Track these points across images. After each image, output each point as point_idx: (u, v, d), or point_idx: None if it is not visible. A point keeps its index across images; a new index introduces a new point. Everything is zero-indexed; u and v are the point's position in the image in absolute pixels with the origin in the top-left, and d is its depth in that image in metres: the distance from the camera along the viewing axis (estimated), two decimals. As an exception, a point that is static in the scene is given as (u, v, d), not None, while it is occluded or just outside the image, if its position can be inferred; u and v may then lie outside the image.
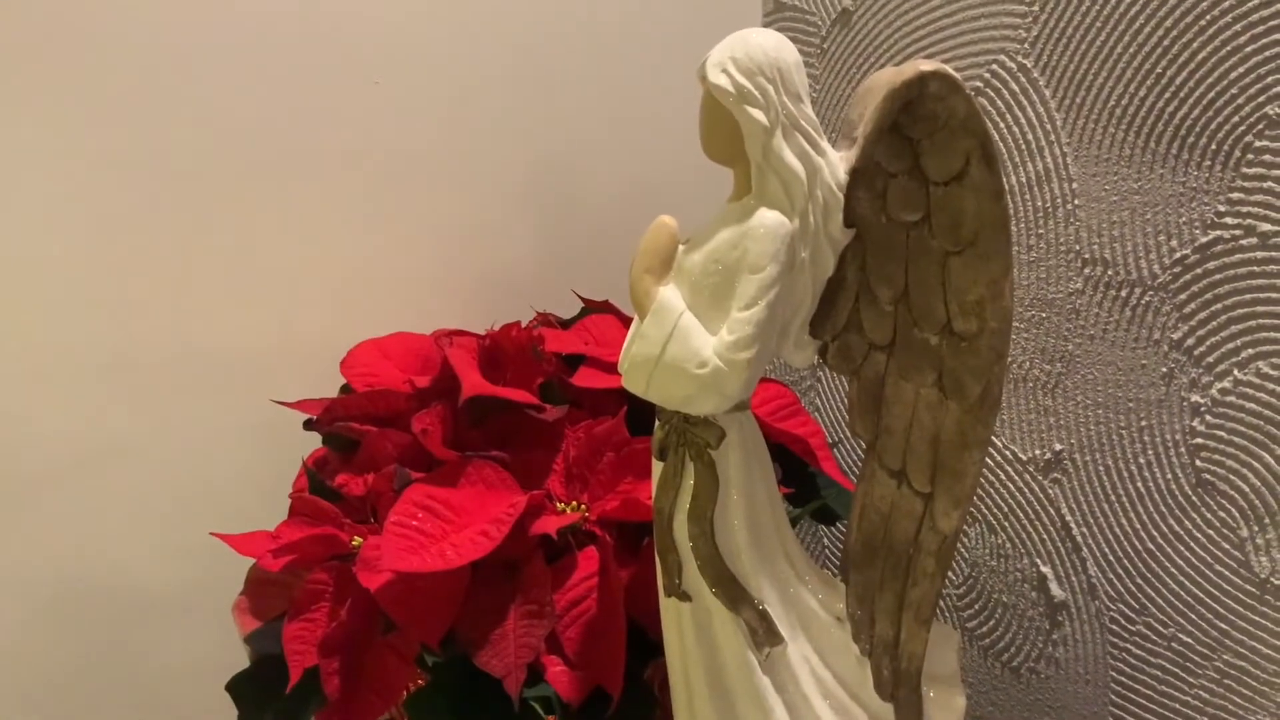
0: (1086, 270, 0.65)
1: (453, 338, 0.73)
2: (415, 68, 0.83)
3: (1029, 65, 0.66)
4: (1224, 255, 0.58)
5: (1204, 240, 0.58)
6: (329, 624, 0.59)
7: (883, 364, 0.50)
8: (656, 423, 0.51)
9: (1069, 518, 0.70)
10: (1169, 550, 0.64)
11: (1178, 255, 0.60)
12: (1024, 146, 0.68)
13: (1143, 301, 0.62)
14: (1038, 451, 0.71)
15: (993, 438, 0.63)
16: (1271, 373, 0.57)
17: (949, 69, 0.44)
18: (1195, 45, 0.57)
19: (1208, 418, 0.60)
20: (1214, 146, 0.57)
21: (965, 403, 0.47)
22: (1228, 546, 0.60)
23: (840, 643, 0.53)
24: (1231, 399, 0.59)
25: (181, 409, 0.80)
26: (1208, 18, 0.56)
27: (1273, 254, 0.55)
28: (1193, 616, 0.63)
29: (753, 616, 0.50)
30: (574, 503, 0.62)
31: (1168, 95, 0.59)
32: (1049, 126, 0.66)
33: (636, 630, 0.57)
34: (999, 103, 0.69)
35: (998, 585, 0.76)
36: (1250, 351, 0.57)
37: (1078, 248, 0.65)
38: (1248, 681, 0.61)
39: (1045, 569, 0.72)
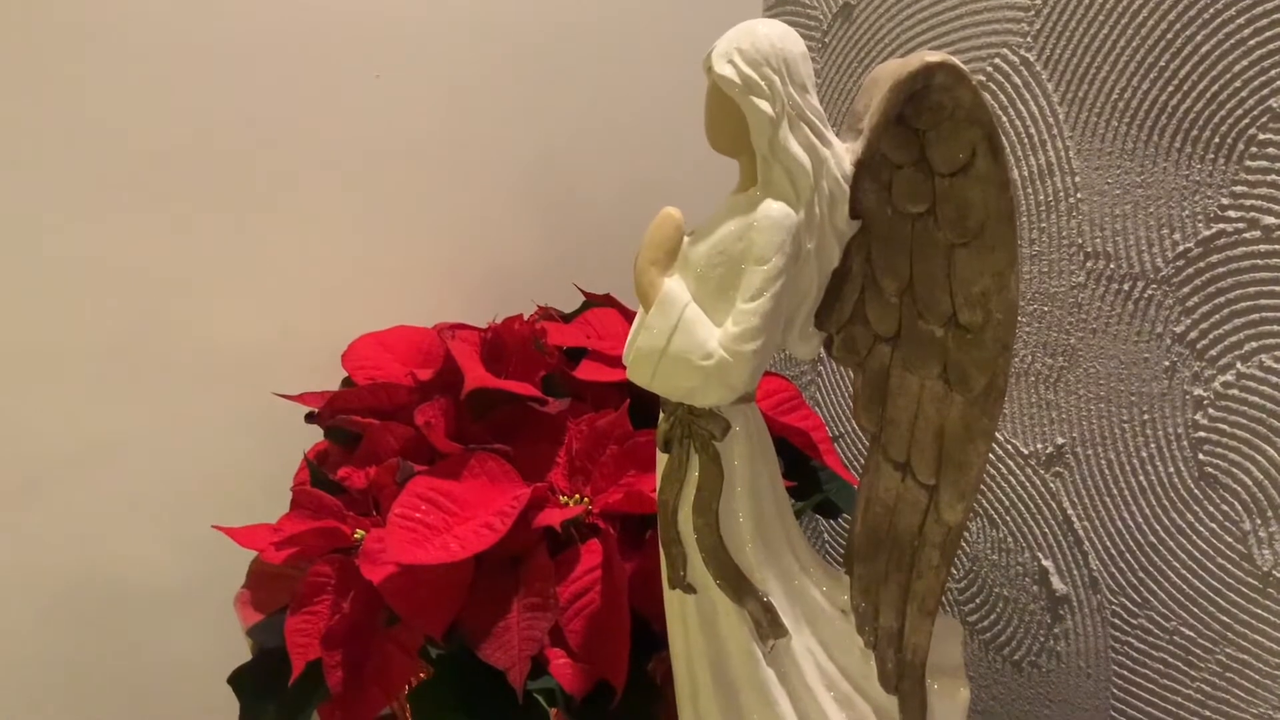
0: (1089, 264, 0.65)
1: (455, 331, 0.73)
2: (416, 61, 0.83)
3: (1032, 59, 0.66)
4: (1227, 248, 0.58)
5: (1207, 233, 0.58)
6: (331, 617, 0.59)
7: (888, 356, 0.50)
8: (661, 415, 0.51)
9: (1071, 511, 0.70)
10: (1171, 544, 0.64)
11: (1181, 248, 0.60)
12: (1027, 140, 0.68)
13: (1145, 295, 0.62)
14: (1040, 445, 0.71)
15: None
16: (1275, 366, 0.57)
17: (955, 60, 0.44)
18: (1199, 38, 0.57)
19: (1210, 411, 0.60)
20: (1217, 140, 0.57)
21: (970, 395, 0.47)
22: (1230, 540, 0.60)
23: (844, 635, 0.53)
24: (1234, 392, 0.59)
25: (183, 402, 0.80)
26: (1211, 11, 0.56)
27: (1276, 247, 0.55)
28: (1195, 610, 0.63)
29: (757, 609, 0.50)
30: (577, 495, 0.62)
31: (1171, 88, 0.59)
32: (1052, 120, 0.66)
33: (640, 623, 0.57)
34: (1002, 96, 0.69)
35: (999, 579, 0.76)
36: (1253, 345, 0.58)
37: (1080, 241, 0.66)
38: (1250, 675, 0.61)
39: (1047, 563, 0.72)
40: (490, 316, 0.76)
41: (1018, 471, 0.73)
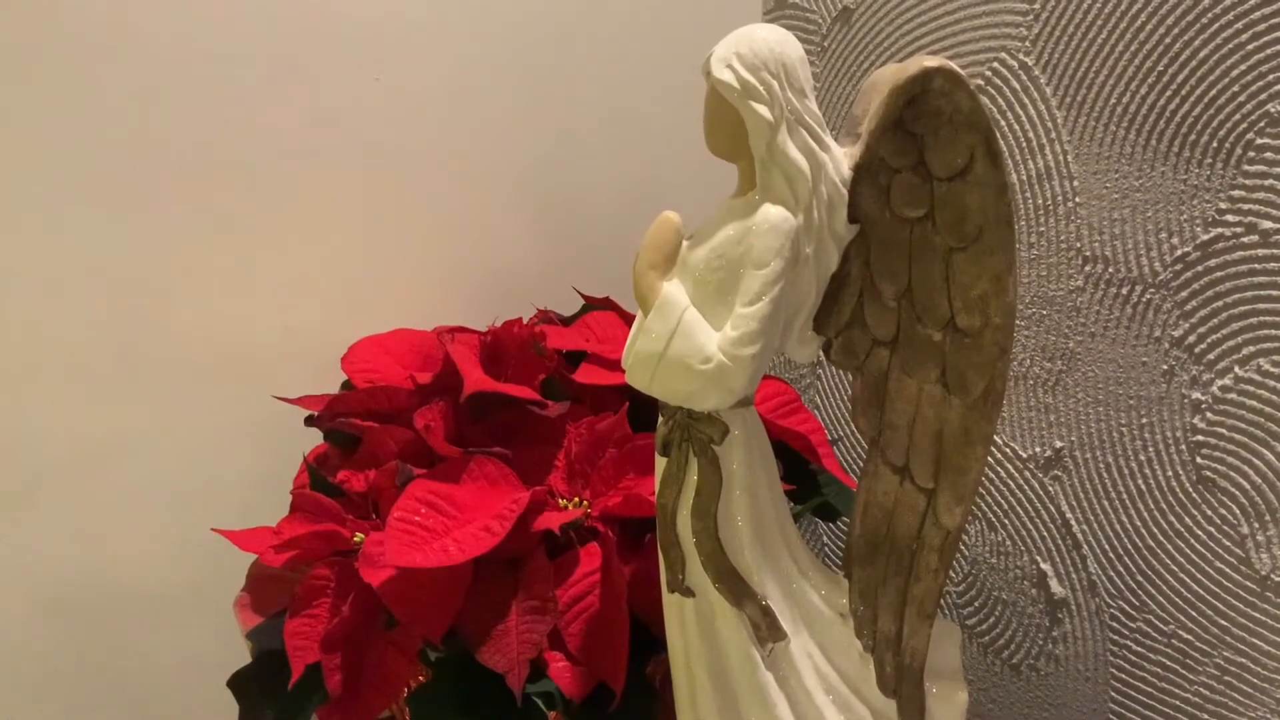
0: (1087, 268, 0.65)
1: (454, 334, 0.74)
2: (416, 64, 0.83)
3: (1030, 63, 0.66)
4: (1225, 253, 0.58)
5: (1205, 238, 0.59)
6: (331, 620, 0.59)
7: (886, 360, 0.50)
8: (660, 418, 0.51)
9: (1069, 515, 0.70)
10: (1169, 547, 0.64)
11: (1179, 253, 0.60)
12: (1025, 144, 0.68)
13: (1144, 299, 0.63)
14: (1038, 449, 0.71)
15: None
16: (1272, 370, 0.57)
17: (953, 65, 0.44)
18: (1196, 43, 0.57)
19: (1208, 415, 0.60)
20: (1215, 144, 0.57)
21: (968, 398, 0.47)
22: (1228, 543, 0.61)
23: (843, 638, 0.53)
24: (1232, 396, 0.59)
25: (183, 405, 0.80)
26: (1209, 15, 0.56)
27: (1274, 251, 0.56)
28: (1193, 613, 0.63)
29: (756, 612, 0.50)
30: (576, 499, 0.62)
31: (1169, 93, 0.59)
32: (1050, 124, 0.66)
33: (639, 626, 0.57)
34: (1000, 100, 0.69)
35: (998, 582, 0.76)
36: (1251, 349, 0.58)
37: (1079, 245, 0.66)
38: (1248, 678, 0.61)
39: (1045, 566, 0.72)
40: (490, 319, 0.76)
41: (1016, 475, 0.73)
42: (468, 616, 0.57)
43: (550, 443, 0.65)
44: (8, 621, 0.79)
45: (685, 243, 0.49)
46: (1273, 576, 0.59)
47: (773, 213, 0.45)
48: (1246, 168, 0.56)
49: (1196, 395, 0.61)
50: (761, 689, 0.51)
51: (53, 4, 0.71)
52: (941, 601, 0.63)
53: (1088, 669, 0.71)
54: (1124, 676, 0.68)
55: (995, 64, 0.69)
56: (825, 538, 0.96)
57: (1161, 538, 0.64)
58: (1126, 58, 0.61)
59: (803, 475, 0.68)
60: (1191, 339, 0.60)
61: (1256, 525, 0.59)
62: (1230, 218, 0.57)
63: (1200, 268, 0.59)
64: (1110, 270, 0.64)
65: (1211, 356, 0.60)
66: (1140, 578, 0.66)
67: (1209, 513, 0.61)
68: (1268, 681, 0.60)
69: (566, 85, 0.89)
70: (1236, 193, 0.57)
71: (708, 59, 0.46)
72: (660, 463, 0.52)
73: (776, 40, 0.45)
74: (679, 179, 0.79)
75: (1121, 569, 0.67)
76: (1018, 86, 0.68)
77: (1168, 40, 0.58)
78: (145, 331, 0.79)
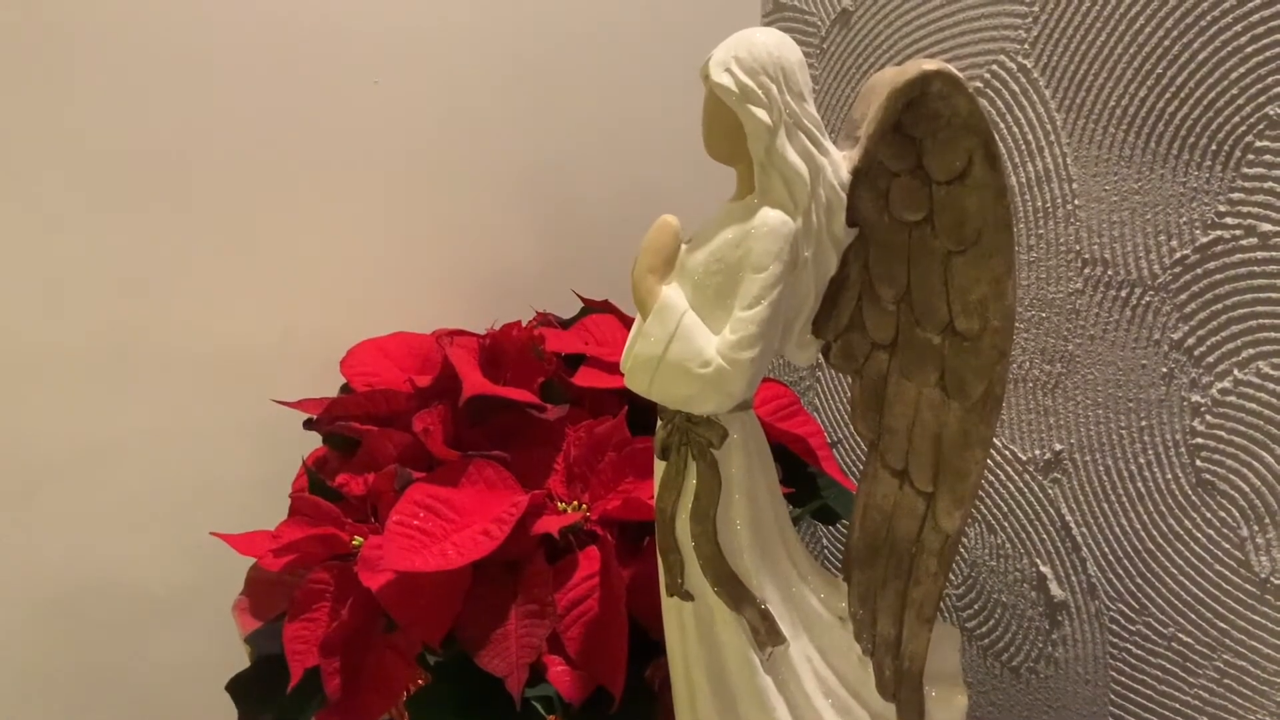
0: (1086, 270, 0.65)
1: (453, 337, 0.73)
2: (416, 67, 0.83)
3: (1029, 65, 0.66)
4: (1224, 255, 0.58)
5: (1204, 240, 0.59)
6: (330, 624, 0.59)
7: (885, 363, 0.50)
8: (659, 422, 0.51)
9: (1069, 518, 0.70)
10: (1169, 550, 0.64)
11: (1178, 255, 0.60)
12: (1024, 147, 0.68)
13: (1143, 301, 0.63)
14: (1037, 451, 0.71)
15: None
16: (1271, 372, 0.57)
17: (952, 68, 0.44)
18: (1195, 45, 0.57)
19: (1208, 418, 0.60)
20: (1214, 147, 0.57)
21: (967, 402, 0.47)
22: (1228, 546, 0.61)
23: (842, 642, 0.53)
24: (1231, 399, 0.59)
25: (182, 408, 0.80)
26: (1208, 18, 0.56)
27: (1273, 254, 0.55)
28: (1193, 616, 0.63)
29: (755, 616, 0.50)
30: (575, 502, 0.62)
31: (1168, 95, 0.59)
32: (1049, 127, 0.66)
33: (638, 630, 0.57)
34: (999, 103, 0.69)
35: (997, 585, 0.76)
36: (1250, 351, 0.58)
37: (1078, 248, 0.66)
38: (1248, 681, 0.61)
39: (1045, 569, 0.72)
40: (489, 323, 0.76)
41: (1016, 478, 0.73)
42: (467, 620, 0.57)
43: (549, 446, 0.65)
44: (8, 621, 0.79)
45: (684, 246, 0.49)
46: (1272, 579, 0.58)
47: (771, 216, 0.45)
48: (1245, 170, 0.56)
49: (1196, 398, 0.61)
50: (760, 692, 0.51)
51: (53, 4, 0.71)
52: (941, 604, 0.63)
53: (1087, 672, 0.70)
54: (1124, 679, 0.68)
55: (994, 67, 0.69)
56: (825, 541, 0.96)
57: (1161, 540, 0.64)
58: (1125, 60, 0.61)
59: (802, 478, 0.68)
60: (1191, 342, 0.60)
61: (1256, 528, 0.59)
62: (1229, 220, 0.57)
63: (1199, 270, 0.59)
64: (1109, 273, 0.64)
65: (1211, 359, 0.60)
66: (1140, 580, 0.66)
67: (1208, 515, 0.61)
68: (1267, 684, 0.60)
69: (566, 88, 0.89)
70: (1235, 195, 0.57)
71: (706, 63, 0.46)
72: (659, 466, 0.52)
73: (775, 44, 0.45)
74: (678, 182, 0.79)
75: (1121, 572, 0.67)
76: (1016, 89, 0.68)
77: (1166, 43, 0.58)
78: (145, 332, 0.78)
